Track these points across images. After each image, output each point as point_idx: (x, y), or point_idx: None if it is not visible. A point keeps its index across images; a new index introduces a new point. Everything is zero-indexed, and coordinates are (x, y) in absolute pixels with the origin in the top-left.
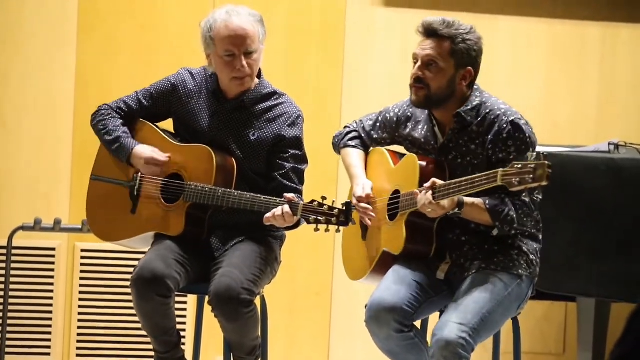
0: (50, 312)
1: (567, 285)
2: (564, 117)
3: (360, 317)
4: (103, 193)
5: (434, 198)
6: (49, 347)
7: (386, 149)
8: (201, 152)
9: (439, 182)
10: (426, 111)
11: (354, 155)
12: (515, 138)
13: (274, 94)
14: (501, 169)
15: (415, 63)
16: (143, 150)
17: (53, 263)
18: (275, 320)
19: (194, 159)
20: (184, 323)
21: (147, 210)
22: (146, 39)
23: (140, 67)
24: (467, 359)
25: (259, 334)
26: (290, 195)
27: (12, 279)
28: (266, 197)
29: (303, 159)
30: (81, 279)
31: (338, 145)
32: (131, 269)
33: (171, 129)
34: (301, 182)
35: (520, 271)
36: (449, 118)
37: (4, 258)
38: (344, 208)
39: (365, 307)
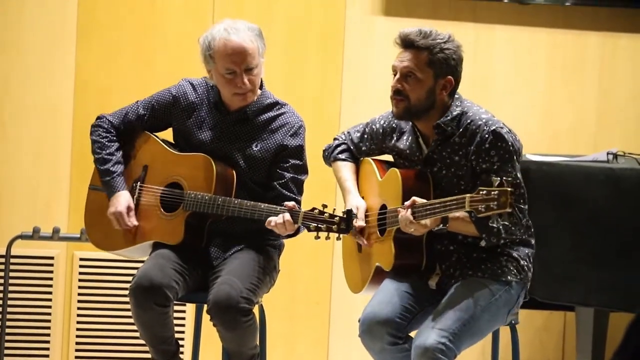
0: (49, 321)
1: (566, 295)
2: (563, 126)
3: None
4: (101, 203)
5: (415, 217)
6: (47, 356)
7: (374, 160)
8: (201, 161)
9: (419, 200)
10: (410, 122)
11: (345, 168)
12: (498, 147)
13: (275, 104)
14: (469, 195)
15: (394, 75)
16: (121, 201)
17: (51, 272)
18: (274, 329)
19: (194, 168)
20: (183, 332)
21: (146, 219)
22: (145, 44)
23: (140, 72)
24: None
25: (257, 343)
26: (291, 203)
27: (10, 288)
28: (267, 205)
29: (303, 170)
30: (79, 287)
31: (328, 158)
32: (130, 278)
33: (170, 139)
34: (300, 192)
35: (509, 277)
36: (431, 129)
37: (2, 267)
38: (345, 216)
39: (359, 321)
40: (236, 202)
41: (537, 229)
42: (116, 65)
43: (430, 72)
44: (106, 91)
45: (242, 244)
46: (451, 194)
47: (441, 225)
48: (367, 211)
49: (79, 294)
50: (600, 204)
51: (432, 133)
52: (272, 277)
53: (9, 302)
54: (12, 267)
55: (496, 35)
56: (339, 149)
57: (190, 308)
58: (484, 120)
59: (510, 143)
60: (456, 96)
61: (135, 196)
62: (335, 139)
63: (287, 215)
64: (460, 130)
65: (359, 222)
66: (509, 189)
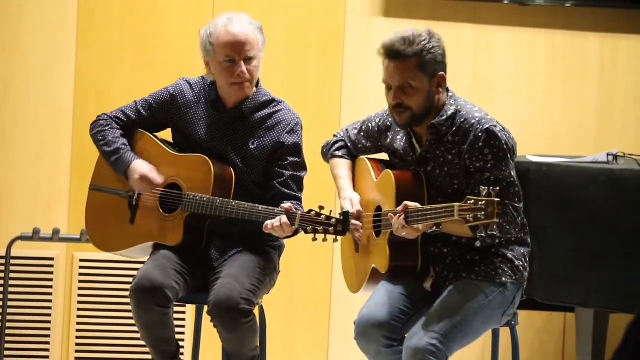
0: (49, 322)
1: (566, 296)
2: (563, 127)
3: None
4: (102, 203)
5: (407, 222)
6: (47, 357)
7: (369, 160)
8: (199, 162)
9: (412, 205)
10: None
11: (341, 166)
12: (492, 146)
13: (271, 101)
14: (457, 204)
15: (388, 89)
16: (141, 166)
17: (52, 273)
18: (274, 330)
19: (192, 169)
20: (183, 333)
21: (145, 220)
22: (145, 48)
23: (140, 76)
24: None
25: (258, 344)
26: (287, 205)
27: (10, 289)
28: (264, 207)
29: (302, 166)
30: (80, 289)
31: (326, 155)
32: (130, 279)
33: (169, 139)
34: (300, 189)
35: (503, 279)
36: (425, 129)
37: (2, 268)
38: (342, 218)
39: (354, 323)
40: (234, 203)
41: (537, 229)
42: (116, 66)
43: (424, 76)
44: (106, 92)
45: (242, 245)
46: (446, 193)
47: (435, 228)
48: (362, 210)
49: (79, 295)
50: (600, 204)
51: (426, 133)
52: (273, 278)
53: (9, 304)
54: (12, 268)
55: (496, 36)
56: (337, 145)
57: (190, 309)
58: (477, 119)
59: (503, 141)
60: (450, 94)
61: (134, 197)
62: (334, 135)
63: (284, 218)
64: (454, 129)
65: (356, 207)
66: (496, 200)
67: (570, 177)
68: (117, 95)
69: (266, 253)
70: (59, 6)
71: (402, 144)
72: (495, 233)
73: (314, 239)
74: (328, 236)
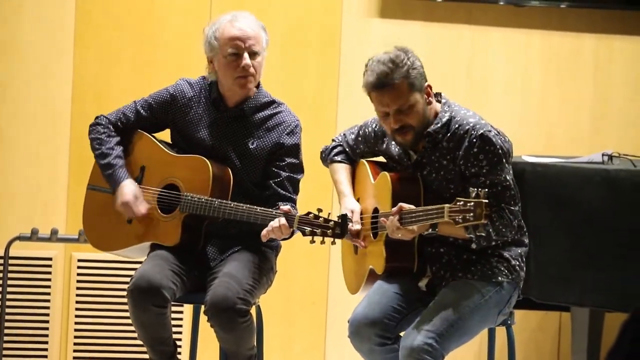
0: (47, 322)
1: (562, 296)
2: (558, 127)
3: None
4: (100, 203)
5: (402, 223)
6: (45, 356)
7: (368, 162)
8: (197, 163)
9: (406, 206)
10: None
11: (341, 170)
12: (487, 151)
13: (272, 102)
14: (447, 205)
15: (384, 116)
16: (127, 191)
17: (50, 273)
18: (270, 329)
19: (191, 170)
20: (180, 333)
21: (143, 220)
22: (143, 49)
23: (138, 77)
24: None
25: (255, 343)
26: (286, 207)
27: (9, 289)
28: (262, 208)
29: (299, 169)
30: (78, 288)
31: (325, 160)
32: (128, 279)
33: (168, 139)
34: (296, 191)
35: (499, 278)
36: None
37: (1, 268)
38: (340, 220)
39: (348, 322)
40: (232, 205)
41: (533, 229)
42: (114, 66)
43: (415, 93)
44: (104, 93)
45: (240, 245)
46: (442, 196)
47: (430, 230)
48: (361, 214)
49: (77, 295)
50: (596, 205)
51: (422, 141)
52: (269, 278)
53: (8, 304)
54: (10, 268)
55: (492, 37)
56: (335, 150)
57: (187, 309)
58: (471, 125)
59: (498, 146)
60: (444, 101)
61: None
62: (333, 140)
63: (283, 220)
64: (449, 135)
65: (355, 226)
66: (484, 201)
67: (566, 177)
68: (115, 96)
69: (263, 253)
70: (57, 7)
71: (397, 149)
72: (483, 234)
73: (312, 242)
74: (326, 239)
